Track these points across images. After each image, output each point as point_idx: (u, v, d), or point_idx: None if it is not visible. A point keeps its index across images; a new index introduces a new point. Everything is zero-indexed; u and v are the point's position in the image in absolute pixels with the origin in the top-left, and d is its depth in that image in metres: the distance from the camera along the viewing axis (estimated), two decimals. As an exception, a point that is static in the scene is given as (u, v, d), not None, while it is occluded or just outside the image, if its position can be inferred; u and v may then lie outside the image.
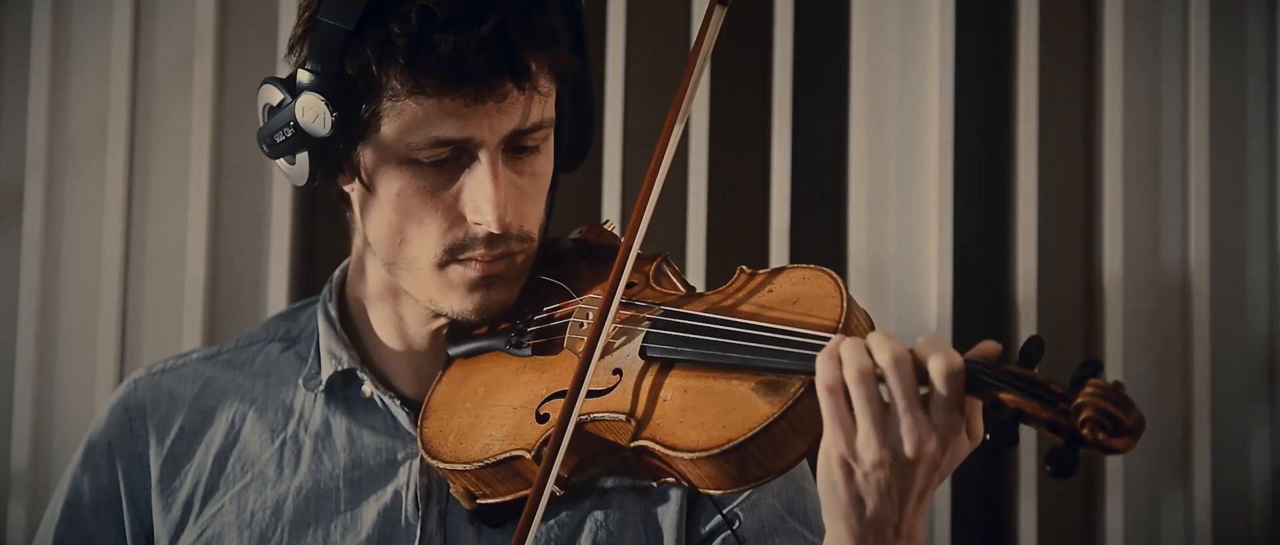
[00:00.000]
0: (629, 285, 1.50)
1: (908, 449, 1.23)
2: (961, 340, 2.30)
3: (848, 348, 1.26)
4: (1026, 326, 2.31)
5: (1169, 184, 2.40)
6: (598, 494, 1.56)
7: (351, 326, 1.67)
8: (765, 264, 2.27)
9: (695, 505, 1.58)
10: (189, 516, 1.62)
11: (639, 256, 1.52)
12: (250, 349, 1.72)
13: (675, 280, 1.55)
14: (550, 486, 1.38)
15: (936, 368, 1.23)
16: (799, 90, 2.34)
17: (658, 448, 1.36)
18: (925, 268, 2.33)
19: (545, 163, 1.55)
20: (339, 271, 1.71)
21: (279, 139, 1.50)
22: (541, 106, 1.50)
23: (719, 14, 1.46)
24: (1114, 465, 2.32)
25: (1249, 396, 2.40)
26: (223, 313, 2.31)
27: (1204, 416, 2.35)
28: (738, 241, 2.35)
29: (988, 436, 1.22)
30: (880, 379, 1.25)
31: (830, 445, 1.26)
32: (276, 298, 2.29)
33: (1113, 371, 2.32)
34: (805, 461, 1.47)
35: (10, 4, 2.32)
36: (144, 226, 2.31)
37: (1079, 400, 1.17)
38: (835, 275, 1.41)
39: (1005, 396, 1.20)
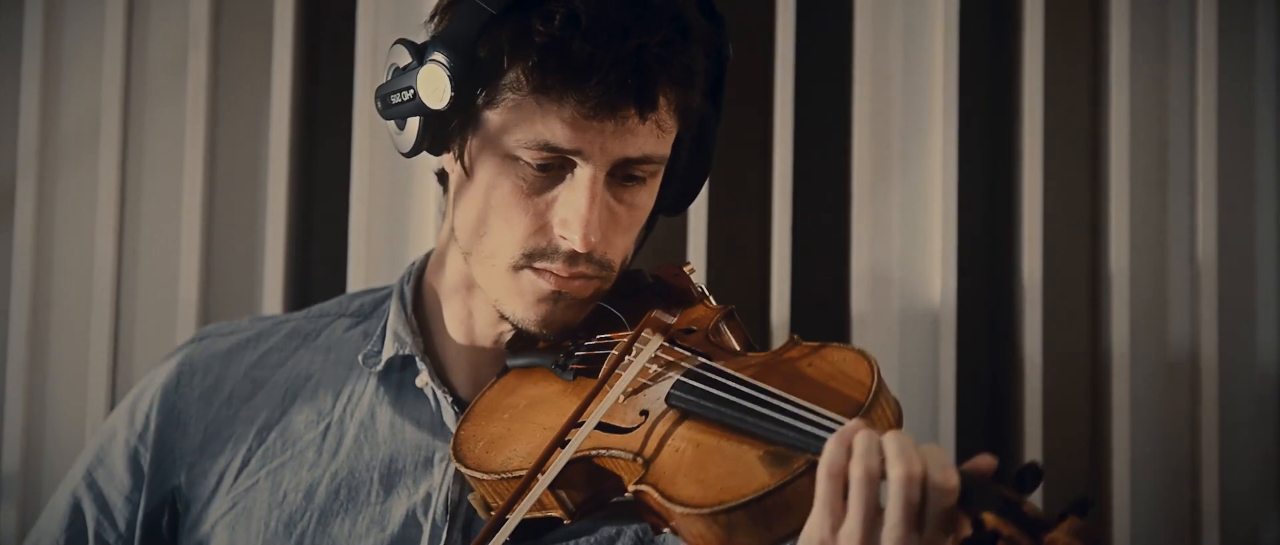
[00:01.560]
0: (687, 331, 1.51)
1: None
2: (965, 344, 2.32)
3: (861, 441, 1.25)
4: (1031, 327, 2.31)
5: (1176, 181, 2.39)
6: (609, 521, 1.56)
7: (422, 314, 1.68)
8: (766, 264, 2.30)
9: None
10: (222, 483, 1.63)
11: (707, 298, 1.56)
12: (319, 321, 1.74)
13: (732, 338, 1.55)
14: (523, 510, 1.39)
15: (935, 485, 1.22)
16: (801, 86, 2.33)
17: (656, 496, 1.36)
18: (928, 267, 2.32)
19: (647, 197, 1.54)
20: (421, 258, 1.72)
21: (395, 100, 1.50)
22: (658, 141, 1.48)
23: (653, 343, 1.48)
24: (1121, 467, 2.31)
25: (1257, 398, 2.39)
26: (217, 314, 2.31)
27: (1212, 418, 2.34)
28: (739, 240, 2.35)
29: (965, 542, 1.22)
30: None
31: (814, 528, 1.25)
32: (271, 298, 2.28)
33: (1119, 375, 2.32)
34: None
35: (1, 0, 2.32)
36: (137, 226, 2.31)
37: (1053, 534, 1.18)
38: (874, 362, 1.40)
39: (988, 517, 1.21)
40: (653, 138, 1.47)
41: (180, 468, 1.65)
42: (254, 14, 2.33)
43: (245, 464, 1.63)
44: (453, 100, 1.45)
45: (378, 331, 1.68)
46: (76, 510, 1.68)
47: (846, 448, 1.25)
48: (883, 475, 1.24)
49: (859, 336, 2.30)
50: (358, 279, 2.27)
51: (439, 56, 1.45)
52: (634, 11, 1.42)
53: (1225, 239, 2.38)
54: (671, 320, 1.53)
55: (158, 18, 2.31)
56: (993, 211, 2.40)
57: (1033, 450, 2.30)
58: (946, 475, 1.22)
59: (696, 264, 2.24)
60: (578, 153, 1.45)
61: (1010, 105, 2.40)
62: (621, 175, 1.49)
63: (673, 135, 1.51)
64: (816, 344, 1.47)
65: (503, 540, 1.39)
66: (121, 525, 1.67)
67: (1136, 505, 2.33)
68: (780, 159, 2.31)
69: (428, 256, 1.71)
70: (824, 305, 2.36)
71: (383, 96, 1.52)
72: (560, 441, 1.41)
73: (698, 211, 2.28)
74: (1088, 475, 2.37)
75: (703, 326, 1.55)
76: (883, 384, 1.38)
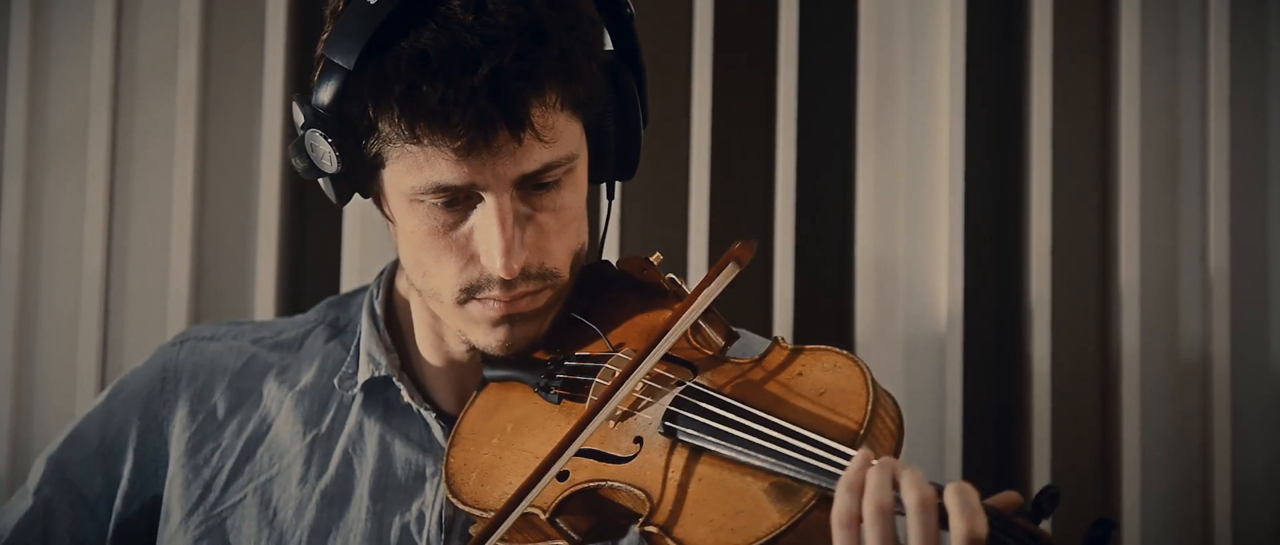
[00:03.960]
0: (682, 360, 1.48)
1: None
2: (973, 344, 2.30)
3: (873, 477, 1.22)
4: (1039, 331, 2.29)
5: (1187, 182, 2.38)
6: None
7: (396, 325, 1.66)
8: (770, 264, 2.28)
9: None
10: (208, 495, 1.61)
11: (678, 287, 1.53)
12: (300, 329, 1.71)
13: (711, 334, 1.52)
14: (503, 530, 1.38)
15: (959, 532, 1.18)
16: (804, 82, 2.31)
17: (667, 540, 1.34)
18: (935, 267, 2.31)
19: (570, 195, 1.50)
20: (390, 265, 1.70)
21: (301, 164, 1.49)
22: (552, 148, 1.44)
23: (732, 271, 1.47)
24: (1131, 472, 2.29)
25: (1270, 403, 2.37)
26: (208, 315, 2.30)
27: (1224, 423, 2.33)
28: (742, 228, 2.32)
29: None
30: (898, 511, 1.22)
31: None
32: (263, 299, 2.27)
33: (1129, 378, 2.30)
34: None
35: (-12, -4, 2.32)
36: (126, 226, 2.30)
37: None
38: (866, 368, 1.37)
39: None
40: (544, 147, 1.43)
41: (162, 476, 1.64)
42: (246, 10, 2.32)
43: (234, 476, 1.61)
44: (341, 161, 1.44)
45: (352, 349, 1.66)
46: (47, 506, 1.65)
47: (857, 492, 1.22)
48: (898, 507, 1.22)
49: (863, 344, 2.29)
50: (351, 277, 2.25)
51: (315, 121, 1.43)
52: (482, 35, 1.38)
53: (1238, 241, 2.37)
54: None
55: (148, 13, 2.31)
56: (1001, 214, 2.39)
57: (1041, 456, 2.28)
58: (975, 523, 1.18)
59: (697, 261, 2.23)
60: (472, 186, 1.43)
61: (1018, 105, 2.38)
62: (531, 186, 1.46)
63: (574, 126, 1.47)
64: (803, 348, 1.44)
65: None
66: (92, 527, 1.65)
67: (1147, 508, 2.31)
68: (783, 154, 2.29)
69: (396, 263, 1.68)
70: (827, 315, 2.35)
71: (293, 157, 1.50)
72: (546, 476, 1.38)
73: (699, 208, 2.27)
74: (1098, 479, 2.35)
75: (711, 332, 1.52)
76: (877, 390, 1.35)
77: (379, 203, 1.51)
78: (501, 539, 1.45)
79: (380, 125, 1.41)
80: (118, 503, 1.64)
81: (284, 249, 2.31)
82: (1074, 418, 2.35)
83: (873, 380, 1.36)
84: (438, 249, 1.47)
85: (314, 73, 1.47)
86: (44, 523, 1.64)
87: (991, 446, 2.36)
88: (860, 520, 1.21)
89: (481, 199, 1.44)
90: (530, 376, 1.53)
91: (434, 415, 1.60)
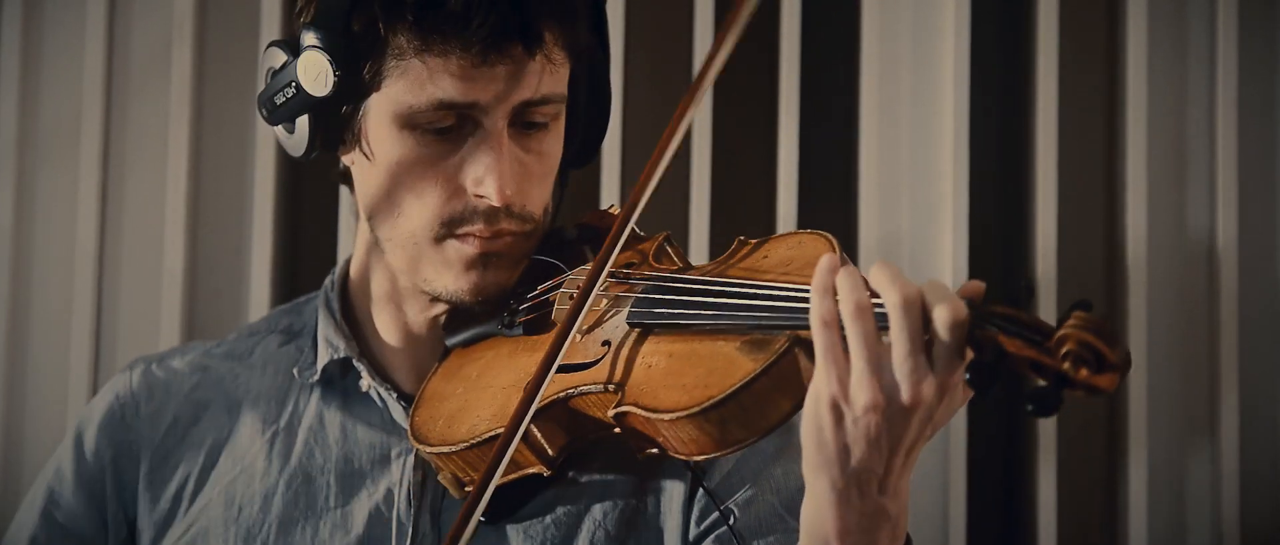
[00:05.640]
0: (628, 265, 1.49)
1: (905, 394, 1.18)
2: None
3: (844, 279, 1.20)
4: (1046, 309, 2.28)
5: (1195, 179, 2.38)
6: (597, 492, 1.54)
7: (353, 318, 1.67)
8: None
9: (692, 503, 1.55)
10: (177, 510, 1.61)
11: (640, 236, 1.53)
12: (249, 340, 1.72)
13: (675, 258, 1.54)
14: (511, 451, 1.36)
15: (942, 317, 1.17)
16: (807, 63, 2.31)
17: (639, 412, 1.34)
18: (939, 249, 2.30)
19: (554, 143, 1.54)
20: (343, 264, 1.71)
21: (279, 100, 1.49)
22: (553, 79, 1.49)
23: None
24: (1137, 442, 2.29)
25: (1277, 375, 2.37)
26: (202, 313, 2.29)
27: (1232, 421, 2.32)
28: (743, 223, 2.30)
29: (968, 377, 1.15)
30: (880, 320, 1.20)
31: (821, 386, 1.21)
32: (258, 297, 2.27)
33: (1136, 352, 2.29)
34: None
35: (-21, -8, 2.32)
36: (119, 226, 2.29)
37: (1061, 332, 1.13)
38: (831, 237, 1.37)
39: (991, 335, 1.16)
40: (548, 76, 1.47)
41: (134, 498, 1.64)
42: (240, 6, 2.32)
43: (199, 487, 1.61)
44: (338, 83, 1.44)
45: (309, 344, 1.68)
46: None
47: (831, 293, 1.21)
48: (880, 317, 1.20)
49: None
50: None
51: (314, 41, 1.44)
52: None
53: (1245, 237, 2.36)
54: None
55: (141, 9, 2.30)
56: (1006, 211, 2.38)
57: (1047, 453, 2.27)
58: (956, 307, 1.17)
59: (699, 245, 2.24)
60: (474, 105, 1.45)
61: (1023, 91, 2.38)
62: (522, 123, 1.49)
63: (566, 71, 1.51)
64: (765, 237, 1.44)
65: (486, 503, 1.36)
66: None
67: (1154, 502, 2.30)
68: (785, 134, 2.28)
69: (346, 264, 1.71)
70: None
71: (265, 102, 1.51)
72: (534, 385, 1.37)
73: (700, 190, 2.26)
74: (1104, 466, 2.34)
75: (644, 257, 1.53)
76: (845, 256, 1.33)
77: (357, 140, 1.51)
78: (470, 469, 1.46)
79: (389, 38, 1.43)
80: (110, 530, 1.64)
81: (278, 248, 2.30)
82: (1081, 413, 2.34)
83: (838, 245, 1.35)
84: (423, 179, 1.48)
85: (304, 8, 1.49)
86: None
87: (995, 433, 2.35)
88: (839, 321, 1.19)
89: (476, 127, 1.46)
90: (493, 324, 1.54)
91: (395, 396, 1.60)
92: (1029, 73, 2.35)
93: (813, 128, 2.32)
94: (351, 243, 2.21)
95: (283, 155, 2.29)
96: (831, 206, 2.34)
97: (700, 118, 2.28)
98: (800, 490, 1.51)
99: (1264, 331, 2.36)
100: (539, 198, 1.53)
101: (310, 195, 2.35)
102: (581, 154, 1.60)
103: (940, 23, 2.32)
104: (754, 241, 1.46)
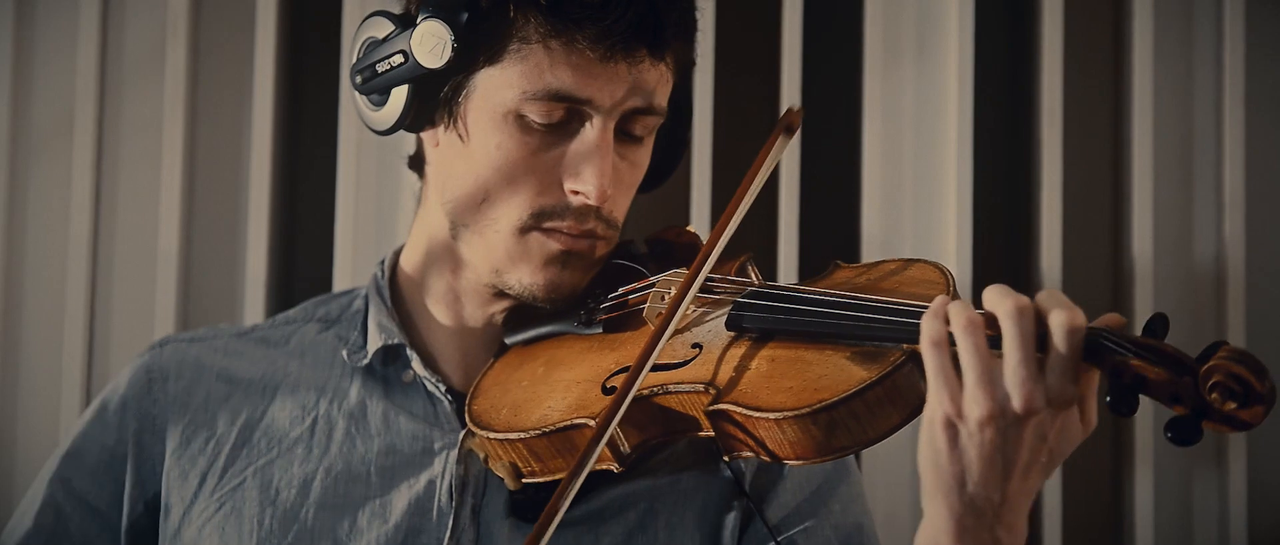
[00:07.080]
0: (710, 278, 1.50)
1: (1017, 403, 1.18)
2: None
3: (956, 305, 1.22)
4: None
5: (1201, 177, 2.37)
6: (647, 506, 1.54)
7: (402, 308, 1.67)
8: (774, 243, 2.28)
9: (749, 526, 1.56)
10: (205, 486, 1.60)
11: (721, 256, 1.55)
12: (285, 328, 1.71)
13: (755, 277, 1.54)
14: (608, 435, 1.36)
15: (1058, 323, 1.19)
16: (809, 59, 2.30)
17: (738, 410, 1.33)
18: (943, 250, 2.28)
19: (645, 156, 1.56)
20: (393, 253, 1.72)
21: (382, 68, 1.50)
22: (662, 90, 1.51)
23: (783, 142, 1.50)
24: (1144, 455, 2.28)
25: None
26: (197, 312, 2.29)
27: None
28: (743, 223, 2.25)
29: (1108, 399, 1.18)
30: (992, 342, 1.21)
31: (934, 406, 1.22)
32: (253, 296, 2.26)
33: None
34: (866, 499, 1.58)
35: (-30, -13, 2.32)
36: (113, 223, 2.28)
37: (1211, 364, 1.15)
38: (945, 267, 1.40)
39: (1125, 361, 1.18)
40: (659, 85, 1.50)
41: (154, 474, 1.63)
42: (235, 2, 2.31)
43: (230, 463, 1.60)
44: (453, 58, 1.45)
45: (358, 328, 1.67)
46: (59, 518, 1.64)
47: (943, 316, 1.22)
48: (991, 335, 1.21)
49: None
50: (344, 276, 2.24)
51: (436, 13, 1.45)
52: None
53: (1253, 236, 2.35)
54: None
55: (135, 5, 2.30)
56: (1011, 211, 2.37)
57: (1144, 423, 2.27)
58: (1073, 314, 1.19)
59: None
60: (588, 102, 1.46)
61: (1028, 102, 2.37)
62: (623, 131, 1.50)
63: (670, 88, 1.53)
64: (869, 263, 1.46)
65: (580, 480, 1.36)
66: (106, 537, 1.64)
67: (1160, 515, 2.29)
68: (787, 162, 2.27)
69: (397, 253, 1.71)
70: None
71: (363, 68, 1.52)
72: (633, 376, 1.38)
73: (701, 187, 2.25)
74: (1109, 470, 2.33)
75: (727, 273, 1.54)
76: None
77: (453, 121, 1.51)
78: (534, 459, 1.46)
79: (517, 21, 1.44)
80: (126, 505, 1.63)
81: (274, 246, 2.29)
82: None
83: (951, 274, 1.37)
84: (519, 167, 1.48)
85: None
86: (56, 537, 1.63)
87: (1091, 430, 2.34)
88: (951, 341, 1.21)
89: (584, 124, 1.47)
90: (564, 323, 1.55)
91: (443, 388, 1.59)
92: (1034, 72, 2.34)
93: (815, 126, 2.32)
94: (348, 239, 2.24)
95: (278, 154, 2.29)
96: (835, 207, 2.33)
97: (702, 115, 2.26)
98: (858, 529, 1.57)
99: (1271, 337, 2.35)
100: (624, 207, 1.55)
101: (307, 195, 2.34)
102: (653, 176, 1.61)
103: (944, 21, 2.31)
104: (856, 267, 1.47)
